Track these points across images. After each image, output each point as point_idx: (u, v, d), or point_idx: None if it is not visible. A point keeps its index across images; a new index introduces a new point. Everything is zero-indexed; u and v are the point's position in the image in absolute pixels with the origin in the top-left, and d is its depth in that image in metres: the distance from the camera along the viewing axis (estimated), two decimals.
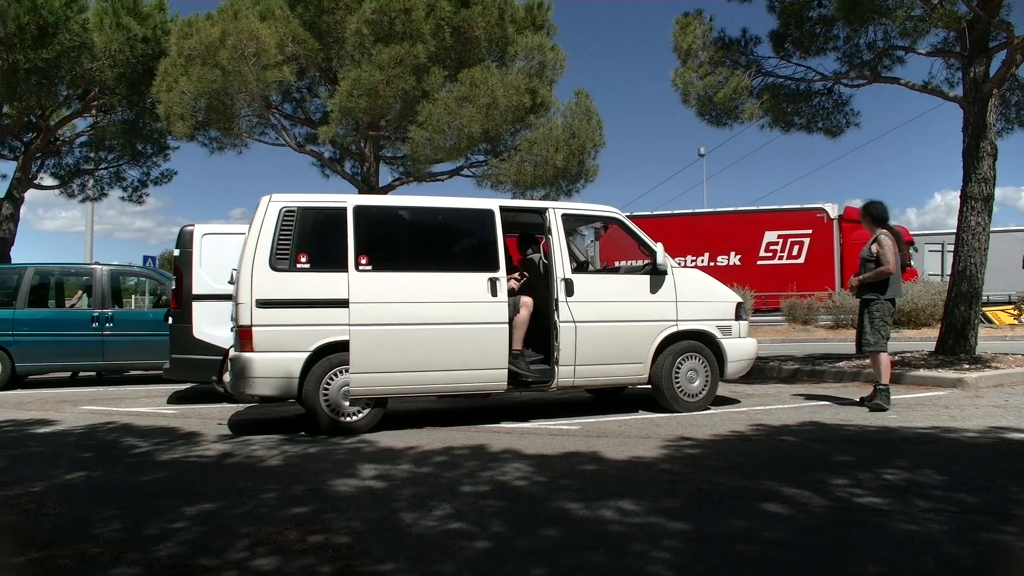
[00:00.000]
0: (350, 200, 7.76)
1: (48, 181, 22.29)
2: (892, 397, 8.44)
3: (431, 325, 7.47)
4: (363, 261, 7.35)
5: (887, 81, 12.84)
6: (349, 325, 7.23)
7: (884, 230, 8.48)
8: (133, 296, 15.19)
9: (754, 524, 4.24)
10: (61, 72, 17.16)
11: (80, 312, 13.41)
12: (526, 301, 8.10)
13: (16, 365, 12.48)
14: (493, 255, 7.79)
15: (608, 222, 9.15)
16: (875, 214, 8.64)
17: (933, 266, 29.84)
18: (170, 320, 10.15)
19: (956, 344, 11.41)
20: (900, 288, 8.57)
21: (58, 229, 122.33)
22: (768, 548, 3.87)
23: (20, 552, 3.91)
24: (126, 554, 3.85)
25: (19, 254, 20.77)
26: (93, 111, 20.26)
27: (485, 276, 7.68)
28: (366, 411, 7.48)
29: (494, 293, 7.65)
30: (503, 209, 8.02)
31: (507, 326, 7.77)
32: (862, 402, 8.57)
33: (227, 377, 7.93)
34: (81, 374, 13.71)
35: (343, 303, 7.22)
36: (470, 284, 7.65)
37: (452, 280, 7.66)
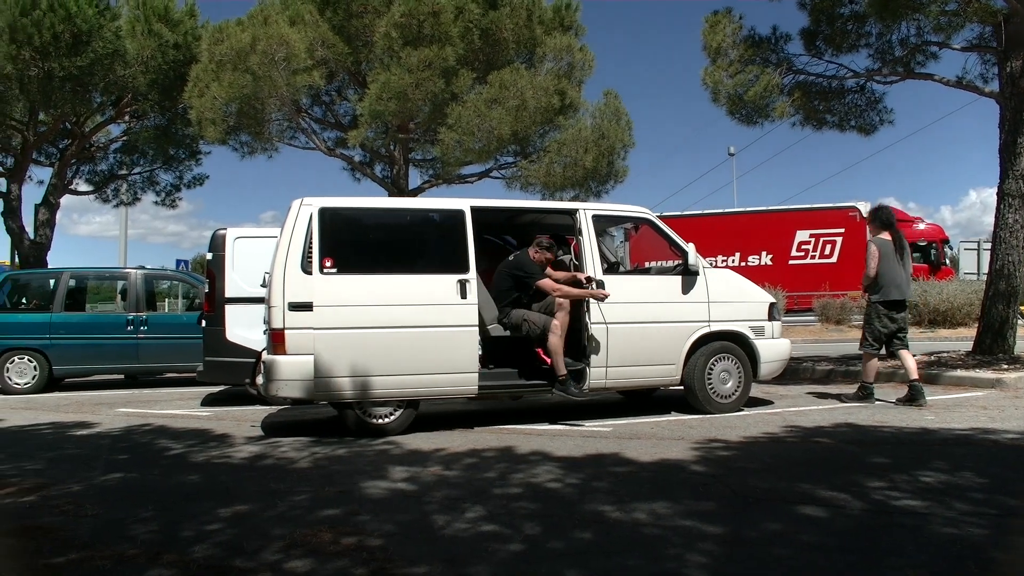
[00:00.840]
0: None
1: (83, 187, 22.62)
2: (928, 398, 8.48)
3: (398, 329, 7.36)
4: (327, 264, 7.30)
5: (921, 77, 12.67)
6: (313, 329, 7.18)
7: (883, 234, 8.76)
8: (167, 299, 15.33)
9: (789, 527, 4.19)
10: (95, 79, 17.41)
11: (115, 316, 13.58)
12: (561, 303, 7.95)
13: (53, 368, 12.67)
14: (463, 256, 7.67)
15: (639, 222, 9.10)
16: (883, 219, 8.89)
17: (970, 265, 29.40)
18: (203, 323, 10.24)
19: (994, 344, 11.23)
20: (893, 291, 8.66)
21: (92, 234, 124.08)
22: (804, 551, 3.83)
23: (59, 553, 3.95)
24: (162, 555, 3.88)
25: (55, 259, 21.10)
26: (126, 117, 20.53)
27: (455, 278, 7.57)
28: (398, 413, 7.50)
29: (464, 295, 7.54)
30: (476, 209, 7.95)
31: (477, 329, 7.64)
32: (897, 403, 8.61)
33: (260, 379, 7.98)
34: (115, 377, 13.86)
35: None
36: (438, 286, 7.53)
37: (420, 282, 7.54)
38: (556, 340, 7.73)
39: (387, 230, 8.05)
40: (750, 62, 12.95)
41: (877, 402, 8.82)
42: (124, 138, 21.70)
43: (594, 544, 4.00)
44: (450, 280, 7.48)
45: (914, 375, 8.59)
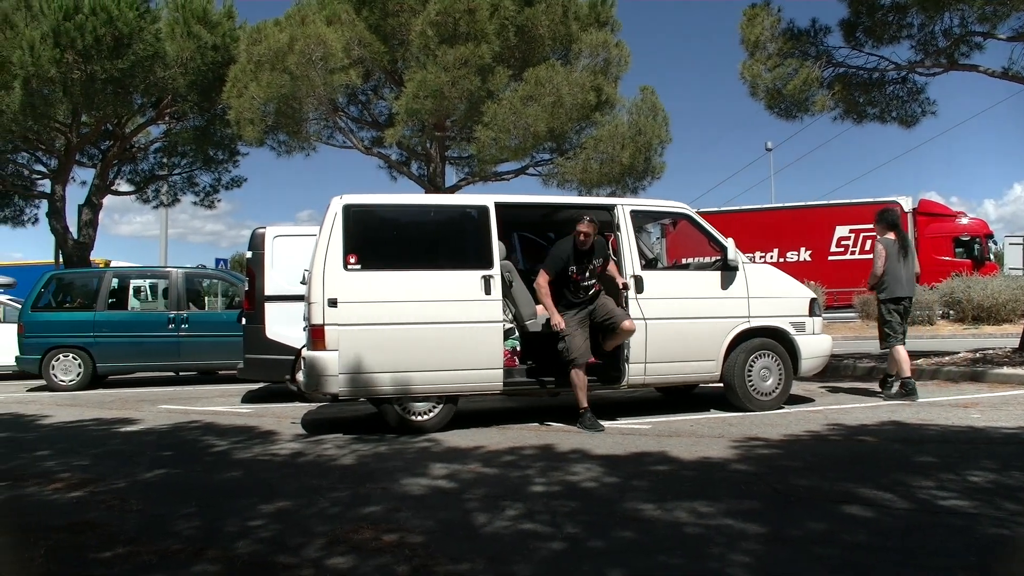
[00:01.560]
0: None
1: (124, 187, 22.93)
2: (975, 396, 8.55)
3: (422, 324, 7.37)
4: (351, 260, 7.33)
5: (965, 68, 12.44)
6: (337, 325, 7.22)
7: (889, 235, 9.13)
8: (207, 298, 15.52)
9: (834, 526, 4.14)
10: (136, 81, 17.64)
11: (157, 314, 13.77)
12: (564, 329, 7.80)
13: (97, 365, 12.89)
14: (487, 252, 7.64)
15: (677, 218, 9.02)
16: (889, 220, 9.27)
17: (1015, 260, 28.82)
18: (243, 321, 10.35)
19: None
20: (897, 287, 9.01)
21: (133, 233, 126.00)
22: (849, 551, 3.78)
23: (106, 548, 4.01)
24: (206, 551, 3.92)
25: (97, 258, 21.41)
26: (166, 118, 20.77)
27: (478, 274, 7.54)
28: (437, 410, 7.53)
29: (487, 291, 7.51)
30: (502, 205, 7.92)
31: (501, 325, 7.63)
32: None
33: (300, 376, 8.04)
34: (157, 374, 14.05)
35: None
36: (462, 282, 7.51)
37: (444, 278, 7.53)
38: (576, 376, 7.57)
39: (411, 226, 8.07)
40: (789, 55, 12.80)
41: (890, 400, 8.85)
42: (164, 139, 21.96)
43: (635, 543, 3.97)
44: (474, 276, 7.48)
45: (906, 372, 8.86)
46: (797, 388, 9.23)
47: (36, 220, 22.59)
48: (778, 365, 8.41)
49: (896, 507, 4.48)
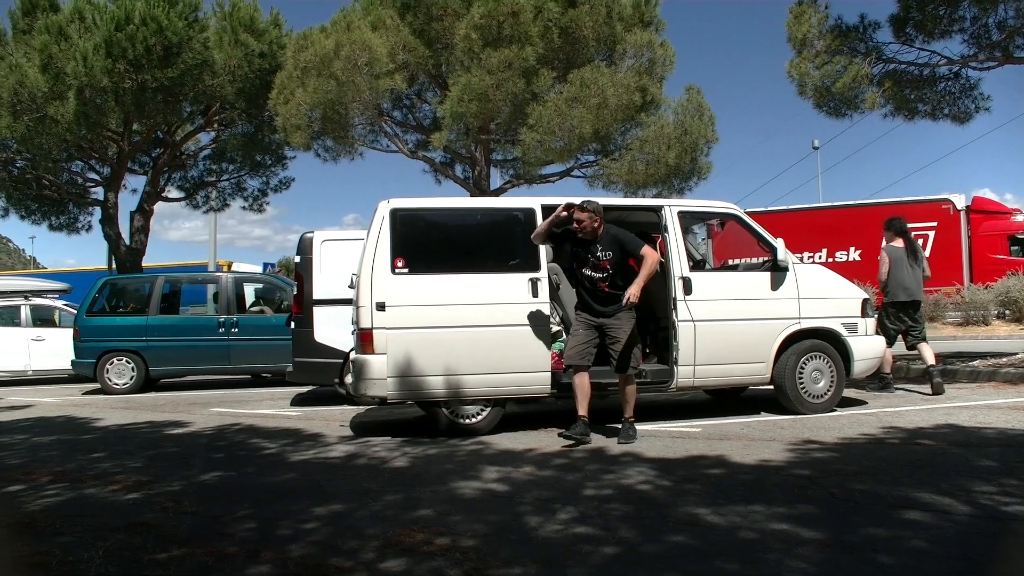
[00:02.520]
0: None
1: (175, 194, 23.33)
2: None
3: (470, 328, 7.36)
4: (398, 264, 7.35)
5: (1020, 62, 12.14)
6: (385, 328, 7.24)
7: (897, 241, 9.71)
8: (257, 302, 15.70)
9: (894, 532, 4.05)
10: (185, 89, 17.95)
11: (207, 318, 13.97)
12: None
13: (150, 369, 13.11)
14: (534, 255, 7.59)
15: (725, 218, 8.92)
16: (897, 228, 9.84)
17: None
18: (292, 325, 10.44)
19: None
20: (900, 292, 9.56)
21: (182, 239, 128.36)
22: (911, 558, 3.68)
23: (162, 549, 4.06)
24: (261, 553, 3.94)
25: (148, 264, 21.80)
26: (215, 125, 21.09)
27: (526, 276, 7.51)
28: (485, 412, 7.53)
29: (535, 294, 7.48)
30: (548, 208, 7.87)
31: (549, 328, 7.60)
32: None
33: (348, 379, 8.09)
34: (208, 377, 14.24)
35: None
36: (510, 285, 7.49)
37: (492, 282, 7.51)
38: (574, 380, 7.06)
39: (458, 230, 8.08)
40: (837, 52, 12.63)
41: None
42: (213, 146, 22.28)
43: (690, 548, 3.92)
44: (521, 279, 7.46)
45: (931, 361, 9.44)
46: (848, 390, 9.05)
47: (89, 227, 23.07)
48: (830, 367, 8.27)
49: (957, 513, 4.36)
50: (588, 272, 6.98)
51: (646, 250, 6.86)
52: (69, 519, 4.72)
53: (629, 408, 7.04)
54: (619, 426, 7.05)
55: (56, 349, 14.80)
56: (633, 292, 6.67)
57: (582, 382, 6.95)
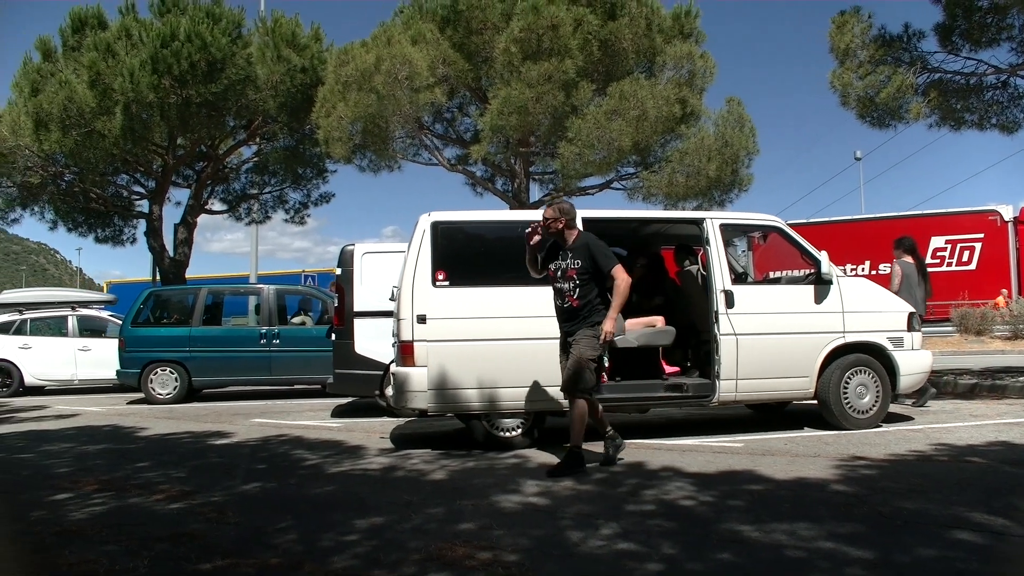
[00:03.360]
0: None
1: (218, 206, 23.62)
2: None
3: (510, 341, 7.34)
4: (439, 277, 7.36)
5: None
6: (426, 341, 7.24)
7: (907, 258, 10.04)
8: (302, 315, 15.81)
9: (945, 552, 3.95)
10: (228, 104, 18.23)
11: (248, 329, 14.11)
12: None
13: (192, 379, 13.28)
14: None
15: (768, 231, 8.83)
16: (907, 246, 10.19)
17: None
18: (333, 336, 10.51)
19: None
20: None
21: (224, 250, 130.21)
22: None
23: (206, 559, 4.08)
24: (303, 565, 3.95)
25: (191, 275, 22.10)
26: (257, 139, 21.38)
27: None
28: (525, 426, 7.50)
29: None
30: (589, 220, 7.79)
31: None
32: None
33: (389, 391, 8.11)
34: (247, 388, 14.38)
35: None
36: (551, 298, 7.38)
37: (532, 294, 7.43)
38: (579, 410, 6.38)
39: (499, 242, 8.05)
40: (881, 62, 12.46)
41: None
42: (255, 159, 22.57)
43: (734, 565, 3.86)
44: None
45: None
46: (894, 406, 8.90)
47: (134, 239, 23.45)
48: (875, 382, 8.14)
49: (1012, 534, 4.26)
50: (558, 284, 6.51)
51: (617, 271, 6.29)
52: (115, 528, 4.77)
53: (573, 435, 6.32)
54: (658, 441, 6.99)
55: (102, 359, 15.05)
56: (607, 328, 6.20)
57: (579, 410, 6.32)
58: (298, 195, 23.68)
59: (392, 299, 8.17)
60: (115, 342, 14.10)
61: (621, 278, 6.25)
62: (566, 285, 6.41)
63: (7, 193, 20.51)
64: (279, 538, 4.51)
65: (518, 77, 14.37)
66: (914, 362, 8.29)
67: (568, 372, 6.32)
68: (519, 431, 7.51)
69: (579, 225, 6.81)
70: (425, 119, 17.33)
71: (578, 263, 6.35)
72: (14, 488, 6.18)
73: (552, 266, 6.55)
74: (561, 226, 6.49)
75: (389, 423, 9.52)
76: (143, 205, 22.01)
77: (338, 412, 11.11)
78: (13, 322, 15.98)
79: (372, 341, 9.97)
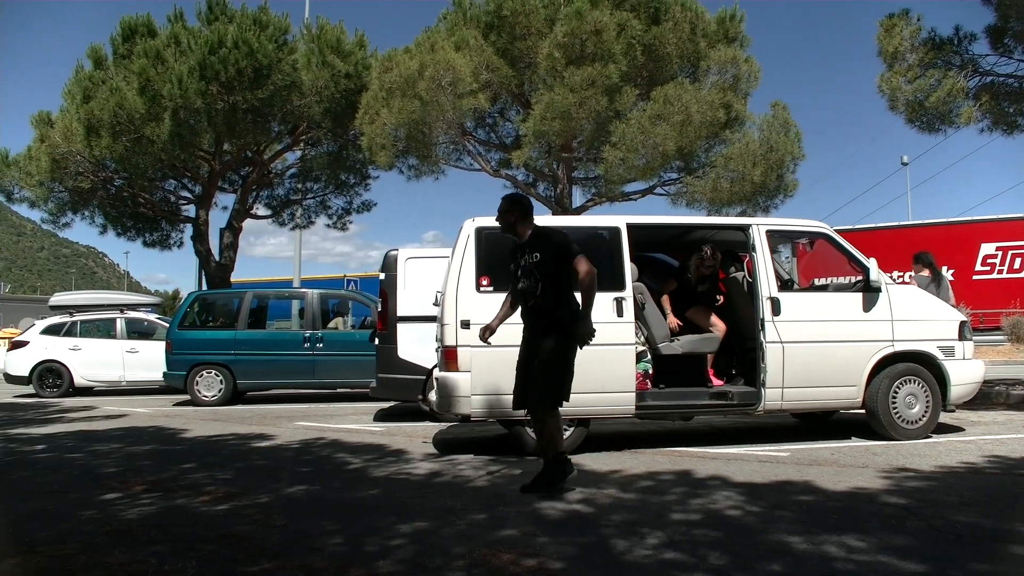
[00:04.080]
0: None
1: (262, 211, 23.87)
2: None
3: None
4: (483, 283, 7.33)
5: None
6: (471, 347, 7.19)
7: (924, 272, 10.06)
8: (340, 318, 15.94)
9: (1001, 568, 3.87)
10: (274, 110, 18.45)
11: (293, 333, 14.24)
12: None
13: (237, 382, 13.42)
14: (619, 274, 7.52)
15: (815, 237, 8.71)
16: (926, 261, 10.22)
17: None
18: (376, 341, 10.56)
19: None
20: None
21: (267, 255, 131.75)
22: None
23: (253, 562, 4.11)
24: (349, 569, 3.96)
25: (236, 279, 22.37)
26: (301, 145, 21.59)
27: (611, 296, 7.40)
28: (568, 432, 7.43)
29: (620, 313, 7.38)
30: (634, 227, 7.77)
31: (633, 348, 7.48)
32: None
33: (432, 395, 8.13)
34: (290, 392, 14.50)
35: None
36: (595, 304, 7.36)
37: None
38: (552, 425, 5.82)
39: None
40: (931, 66, 12.27)
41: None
42: (299, 164, 22.79)
43: None
44: (606, 298, 7.33)
45: None
46: (944, 416, 8.71)
47: (181, 243, 23.76)
48: (925, 392, 7.98)
49: None
50: (520, 284, 5.88)
51: (579, 262, 5.60)
52: (163, 528, 4.82)
53: (545, 450, 5.84)
54: (702, 449, 6.90)
55: (149, 361, 15.28)
56: (582, 330, 5.58)
57: (552, 425, 5.78)
58: (341, 201, 23.86)
59: (436, 304, 8.19)
60: (162, 344, 14.31)
61: (583, 269, 5.56)
62: (527, 282, 5.79)
63: (59, 198, 20.91)
64: (324, 541, 4.53)
65: (561, 82, 14.35)
66: (966, 372, 8.12)
67: (536, 383, 5.68)
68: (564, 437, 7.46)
69: (561, 224, 6.69)
70: (468, 124, 17.38)
71: (537, 256, 5.74)
72: (65, 487, 6.28)
73: (512, 266, 5.99)
74: (513, 219, 5.93)
75: (432, 428, 9.54)
76: (190, 210, 22.33)
77: (381, 416, 11.16)
78: (64, 324, 16.30)
79: (415, 346, 10.01)
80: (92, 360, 15.86)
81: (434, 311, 8.42)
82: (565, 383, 5.71)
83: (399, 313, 10.17)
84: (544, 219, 8.98)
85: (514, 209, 5.94)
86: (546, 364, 5.65)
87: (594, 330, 5.63)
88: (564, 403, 5.77)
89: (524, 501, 5.48)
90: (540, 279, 5.71)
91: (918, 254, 10.44)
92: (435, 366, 8.25)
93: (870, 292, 7.93)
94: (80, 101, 18.15)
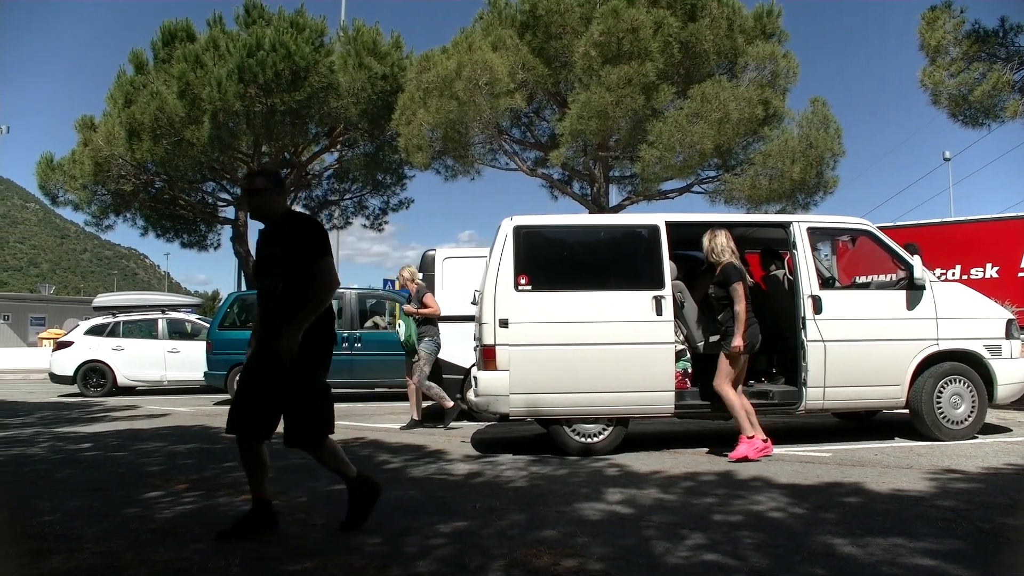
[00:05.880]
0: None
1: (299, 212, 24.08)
2: None
3: (593, 345, 7.25)
4: (522, 281, 7.31)
5: None
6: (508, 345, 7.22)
7: None
8: (375, 317, 15.97)
9: None
10: (311, 112, 18.62)
11: None
12: None
13: None
14: (658, 272, 7.46)
15: (857, 234, 8.57)
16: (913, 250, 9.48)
17: None
18: None
19: None
20: None
21: None
22: None
23: (294, 560, 4.12)
24: (390, 568, 3.95)
25: None
26: (338, 146, 21.78)
27: (650, 294, 7.36)
28: (607, 432, 7.43)
29: (659, 312, 7.31)
30: (672, 224, 7.70)
31: (672, 347, 7.42)
32: None
33: (470, 395, 8.13)
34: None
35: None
36: (634, 303, 7.33)
37: (615, 299, 7.37)
38: (328, 455, 4.76)
39: (581, 247, 8.01)
40: (975, 59, 12.11)
41: None
42: (336, 166, 23.00)
43: None
44: (645, 296, 7.32)
45: None
46: (990, 416, 8.54)
47: (219, 244, 24.10)
48: (971, 391, 7.82)
49: None
50: (261, 281, 4.67)
51: (323, 265, 4.46)
52: (206, 526, 4.85)
53: (337, 465, 4.77)
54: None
55: (190, 360, 15.46)
56: (285, 344, 4.33)
57: (329, 448, 4.73)
58: (377, 201, 24.06)
59: (474, 303, 8.19)
60: (203, 344, 14.46)
61: (322, 275, 4.44)
62: (268, 280, 4.55)
63: (102, 200, 21.28)
64: (364, 540, 4.52)
65: (598, 81, 14.31)
66: (1013, 371, 7.95)
67: (300, 416, 4.53)
68: (600, 437, 7.43)
69: (599, 222, 6.65)
70: (504, 124, 17.40)
71: (279, 248, 4.52)
72: (110, 485, 6.36)
73: (255, 258, 4.89)
74: (261, 186, 4.62)
75: (470, 427, 9.54)
76: (228, 211, 22.61)
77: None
78: (107, 324, 16.54)
79: (453, 345, 10.01)
80: (134, 360, 16.10)
81: (471, 310, 8.42)
82: (329, 410, 4.65)
83: None
84: (580, 217, 8.96)
85: (259, 179, 4.67)
86: (306, 393, 4.51)
87: (294, 351, 4.35)
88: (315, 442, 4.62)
89: (564, 502, 5.45)
90: (275, 277, 4.49)
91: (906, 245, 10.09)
92: (473, 365, 8.25)
93: (914, 290, 7.79)
94: (122, 105, 18.47)
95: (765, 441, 6.95)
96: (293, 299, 4.40)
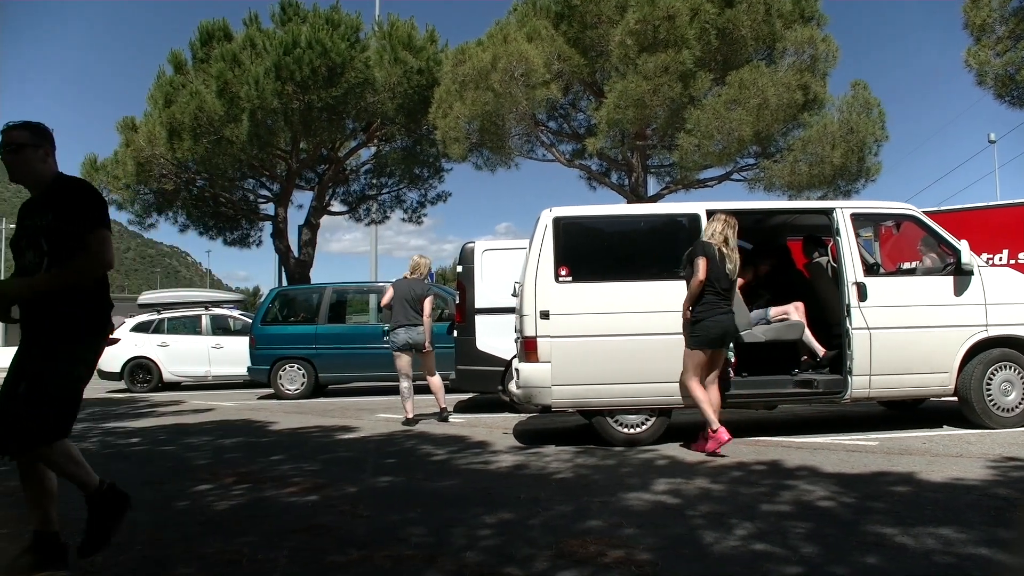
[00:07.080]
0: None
1: (338, 207, 24.28)
2: None
3: (635, 336, 7.20)
4: (562, 272, 7.27)
5: None
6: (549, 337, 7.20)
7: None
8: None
9: None
10: (348, 107, 18.73)
11: (372, 327, 14.42)
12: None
13: (319, 375, 13.66)
14: None
15: (902, 219, 8.42)
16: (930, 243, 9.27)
17: None
18: (455, 333, 10.61)
19: None
20: None
21: (343, 250, 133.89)
22: None
23: (341, 552, 4.16)
24: (437, 559, 3.97)
25: (315, 275, 22.79)
26: (375, 141, 21.89)
27: None
28: (649, 423, 7.39)
29: None
30: (711, 212, 7.59)
31: None
32: None
33: (511, 386, 8.13)
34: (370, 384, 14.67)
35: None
36: (676, 292, 7.20)
37: (656, 289, 7.30)
38: (58, 460, 3.69)
39: (621, 237, 7.97)
40: (1022, 37, 11.80)
41: None
42: (373, 161, 23.12)
43: (881, 570, 3.66)
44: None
45: None
46: None
47: (260, 241, 24.33)
48: (1022, 378, 7.66)
49: None
50: (23, 257, 3.80)
51: (99, 238, 3.67)
52: (254, 519, 4.92)
53: (83, 484, 3.77)
54: (790, 439, 6.75)
55: (233, 356, 15.66)
56: (6, 286, 3.78)
57: (58, 456, 3.65)
58: (415, 195, 24.15)
59: (514, 295, 8.19)
60: (245, 340, 14.63)
61: (95, 250, 3.66)
62: (31, 255, 3.73)
63: (144, 199, 21.60)
64: (411, 531, 4.55)
65: (634, 70, 14.23)
66: None
67: (19, 409, 3.54)
68: (643, 427, 7.40)
69: (639, 212, 6.63)
70: (540, 115, 17.37)
71: (48, 217, 3.68)
72: (159, 478, 6.46)
73: (18, 231, 3.88)
74: (21, 141, 3.76)
75: (511, 419, 9.56)
76: (268, 208, 22.83)
77: (460, 408, 11.22)
78: (152, 321, 16.80)
79: (493, 337, 10.03)
80: (179, 356, 16.36)
81: (511, 302, 8.42)
82: (64, 416, 3.67)
83: (477, 305, 10.21)
84: (620, 207, 8.92)
85: (30, 136, 3.78)
86: (41, 388, 3.57)
87: (11, 295, 3.72)
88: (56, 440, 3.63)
89: (610, 492, 5.43)
90: (48, 253, 3.67)
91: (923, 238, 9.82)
92: (514, 357, 8.26)
93: (961, 275, 7.64)
94: (162, 106, 18.72)
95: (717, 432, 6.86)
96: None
